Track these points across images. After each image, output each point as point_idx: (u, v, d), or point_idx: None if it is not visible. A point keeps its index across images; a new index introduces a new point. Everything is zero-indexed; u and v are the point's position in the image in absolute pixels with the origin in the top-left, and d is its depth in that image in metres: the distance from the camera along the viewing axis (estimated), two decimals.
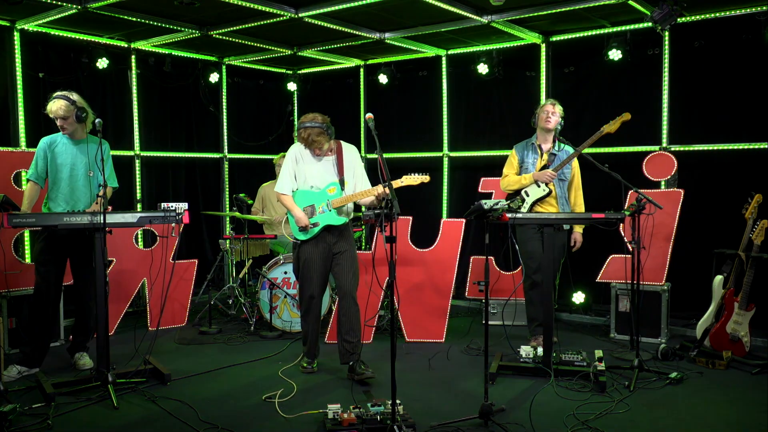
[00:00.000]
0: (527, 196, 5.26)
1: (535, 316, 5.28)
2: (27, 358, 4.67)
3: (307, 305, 4.67)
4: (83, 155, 4.65)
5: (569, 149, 5.21)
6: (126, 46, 6.73)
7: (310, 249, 4.59)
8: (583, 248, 5.39)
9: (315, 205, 4.56)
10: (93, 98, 5.90)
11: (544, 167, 5.23)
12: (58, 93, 4.54)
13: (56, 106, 4.50)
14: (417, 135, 7.62)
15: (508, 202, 5.24)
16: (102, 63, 6.37)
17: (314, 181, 4.58)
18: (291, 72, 8.34)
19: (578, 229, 5.34)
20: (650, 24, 5.46)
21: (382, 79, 7.44)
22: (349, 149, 4.68)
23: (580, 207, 5.34)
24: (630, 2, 5.21)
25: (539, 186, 5.20)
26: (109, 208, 4.49)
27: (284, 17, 5.71)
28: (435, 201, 7.38)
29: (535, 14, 5.62)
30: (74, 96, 4.57)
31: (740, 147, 5.67)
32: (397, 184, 4.32)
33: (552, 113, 5.23)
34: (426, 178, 4.47)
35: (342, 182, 4.57)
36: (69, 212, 4.28)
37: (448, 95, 7.35)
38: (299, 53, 7.15)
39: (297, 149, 4.62)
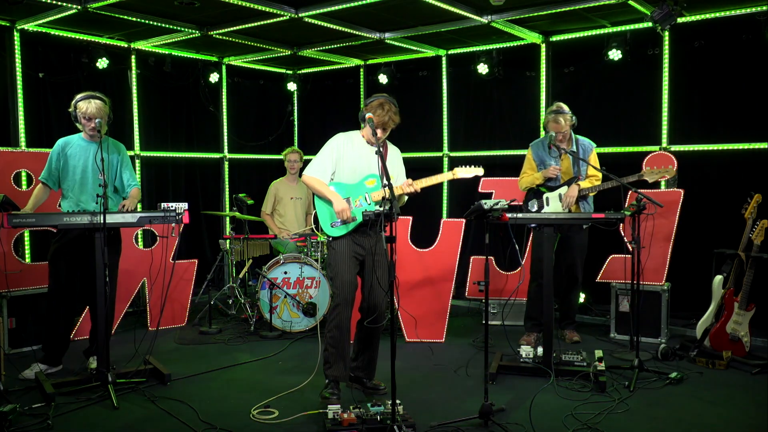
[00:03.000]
0: (547, 205, 5.26)
1: (536, 316, 5.27)
2: (49, 356, 4.68)
3: (338, 313, 4.06)
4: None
5: (585, 143, 5.24)
6: (126, 46, 6.73)
7: (343, 247, 4.11)
8: (581, 248, 5.40)
9: (351, 198, 4.13)
10: None
11: (572, 180, 5.15)
12: (90, 93, 4.53)
13: (94, 106, 4.48)
14: (417, 135, 7.61)
15: (509, 202, 5.22)
16: (102, 63, 6.37)
17: (354, 172, 4.15)
18: (291, 72, 8.34)
19: (585, 184, 5.18)
20: (650, 24, 5.46)
21: (383, 79, 7.43)
22: (393, 148, 4.33)
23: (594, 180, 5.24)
24: (630, 2, 5.21)
25: (560, 201, 5.19)
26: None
27: (284, 17, 5.71)
28: (435, 201, 7.38)
29: (535, 14, 5.62)
30: (104, 96, 4.60)
31: (740, 147, 5.67)
32: (449, 176, 4.24)
33: (563, 131, 5.13)
34: (480, 171, 4.23)
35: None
36: (69, 212, 4.27)
37: (448, 95, 7.35)
38: (299, 53, 7.15)
39: (346, 137, 4.18)
